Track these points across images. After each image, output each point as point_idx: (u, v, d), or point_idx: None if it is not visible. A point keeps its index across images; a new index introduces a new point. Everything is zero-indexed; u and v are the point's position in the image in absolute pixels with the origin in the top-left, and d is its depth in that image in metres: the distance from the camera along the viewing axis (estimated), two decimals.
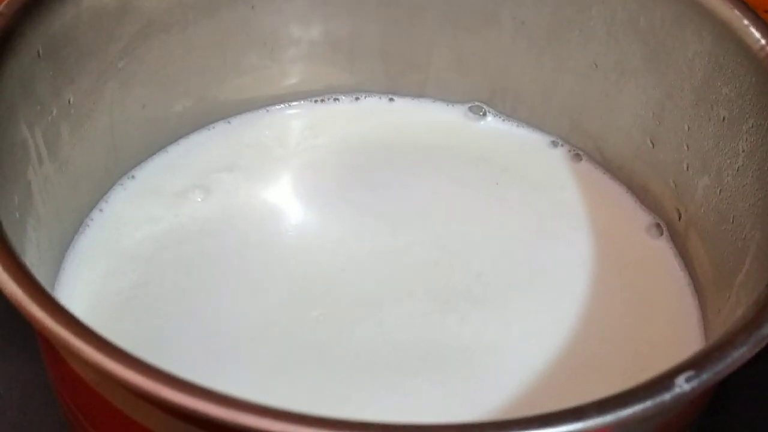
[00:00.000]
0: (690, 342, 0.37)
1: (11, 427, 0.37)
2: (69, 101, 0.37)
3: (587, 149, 0.44)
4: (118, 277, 0.38)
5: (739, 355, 0.26)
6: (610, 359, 0.37)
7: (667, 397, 0.25)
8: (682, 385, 0.25)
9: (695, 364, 0.26)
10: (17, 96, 0.34)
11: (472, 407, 0.35)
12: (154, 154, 0.43)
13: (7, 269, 0.26)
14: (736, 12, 0.35)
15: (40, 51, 0.35)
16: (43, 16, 0.35)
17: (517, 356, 0.36)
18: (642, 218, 0.42)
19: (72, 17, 0.36)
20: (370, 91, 0.46)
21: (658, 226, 0.41)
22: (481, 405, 0.35)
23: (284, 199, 0.42)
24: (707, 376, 0.25)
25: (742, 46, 0.35)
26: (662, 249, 0.41)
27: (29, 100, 0.35)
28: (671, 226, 0.41)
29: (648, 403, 0.25)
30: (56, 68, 0.36)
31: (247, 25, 0.42)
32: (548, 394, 0.35)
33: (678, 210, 0.40)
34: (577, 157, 0.44)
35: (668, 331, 0.38)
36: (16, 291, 0.26)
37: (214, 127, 0.44)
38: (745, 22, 0.35)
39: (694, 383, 0.25)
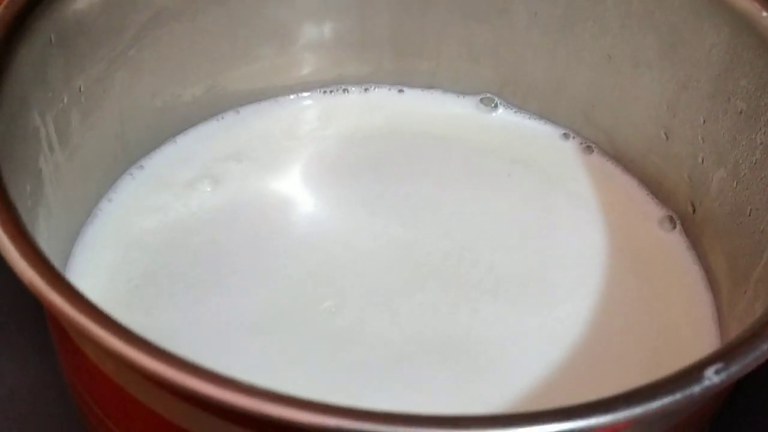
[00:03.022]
0: (704, 336, 0.37)
1: (21, 420, 0.37)
2: (80, 89, 0.37)
3: (599, 142, 0.44)
4: (127, 266, 0.38)
5: None
6: (625, 352, 0.36)
7: (696, 389, 0.24)
8: (711, 377, 0.25)
9: (724, 356, 0.25)
10: (30, 83, 0.33)
11: (486, 399, 0.34)
12: (162, 143, 0.42)
13: (27, 257, 0.26)
14: (756, 4, 0.35)
15: (53, 38, 0.34)
16: (55, 2, 0.34)
17: (531, 349, 0.36)
18: (655, 211, 0.42)
19: (84, 4, 0.36)
20: (379, 82, 0.46)
21: (671, 219, 0.41)
22: (494, 397, 0.35)
23: (294, 190, 0.42)
24: (736, 368, 0.25)
25: (761, 38, 0.35)
26: (675, 242, 0.40)
27: (41, 87, 0.34)
28: (685, 219, 0.41)
29: (677, 395, 0.24)
30: (68, 55, 0.36)
31: (258, 14, 0.42)
32: (563, 386, 0.35)
33: (692, 203, 0.40)
34: (588, 149, 0.44)
35: (682, 325, 0.38)
36: (36, 279, 0.25)
37: (222, 117, 0.44)
38: (765, 14, 0.35)
39: (723, 375, 0.25)
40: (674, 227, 0.41)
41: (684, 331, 0.37)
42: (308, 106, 0.45)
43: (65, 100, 0.36)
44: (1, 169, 0.29)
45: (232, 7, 0.41)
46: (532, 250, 0.40)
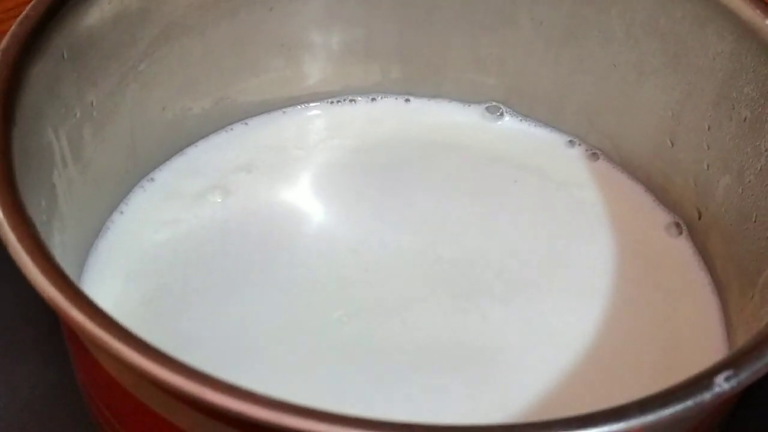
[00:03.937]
0: (712, 341, 0.38)
1: (36, 428, 0.37)
2: (92, 103, 0.37)
3: (605, 149, 0.44)
4: (140, 279, 0.38)
5: None
6: (634, 357, 0.37)
7: (707, 396, 0.25)
8: (722, 384, 0.25)
9: (734, 363, 0.26)
10: (44, 98, 0.34)
11: (498, 406, 0.35)
12: (173, 156, 0.43)
13: (46, 273, 0.26)
14: (758, 11, 0.35)
15: (65, 53, 0.35)
16: (67, 18, 0.34)
17: (541, 355, 0.37)
18: (661, 217, 0.42)
19: (96, 19, 0.36)
20: (386, 92, 0.46)
21: (677, 225, 0.41)
22: (506, 404, 0.35)
23: (304, 200, 0.42)
24: (746, 375, 0.25)
25: (764, 45, 0.35)
26: (682, 248, 0.41)
27: (55, 103, 0.35)
28: (691, 225, 0.41)
29: (689, 403, 0.25)
30: (80, 70, 0.36)
31: (266, 26, 0.42)
32: (574, 391, 0.35)
33: (698, 209, 0.40)
34: (594, 156, 0.44)
35: (690, 330, 0.38)
36: (56, 295, 0.26)
37: (232, 129, 0.44)
38: (767, 21, 0.35)
39: (734, 382, 0.25)
40: (681, 233, 0.41)
41: (692, 335, 0.38)
42: (316, 117, 0.46)
43: (78, 115, 0.36)
44: (18, 186, 0.29)
45: (240, 20, 0.42)
46: (539, 256, 0.40)
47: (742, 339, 0.32)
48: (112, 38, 0.37)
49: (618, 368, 0.37)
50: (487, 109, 0.46)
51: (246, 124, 0.45)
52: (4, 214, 0.28)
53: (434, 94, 0.46)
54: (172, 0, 0.39)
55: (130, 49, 0.38)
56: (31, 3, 0.34)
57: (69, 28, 0.35)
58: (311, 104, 0.46)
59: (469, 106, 0.46)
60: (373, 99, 0.46)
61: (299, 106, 0.46)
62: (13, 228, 0.27)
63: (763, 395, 0.37)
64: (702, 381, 0.25)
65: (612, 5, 0.40)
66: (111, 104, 0.38)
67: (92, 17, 0.36)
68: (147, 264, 0.39)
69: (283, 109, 0.45)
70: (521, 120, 0.46)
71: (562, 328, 0.38)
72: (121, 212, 0.40)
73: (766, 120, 0.36)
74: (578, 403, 0.35)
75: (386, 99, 0.46)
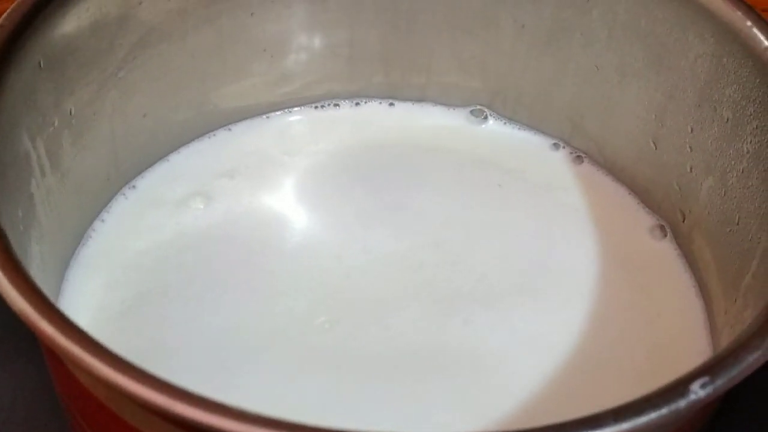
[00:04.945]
0: (697, 343, 0.37)
1: None
2: (70, 112, 0.37)
3: (589, 151, 0.44)
4: (122, 287, 0.38)
5: (754, 359, 0.26)
6: (618, 361, 0.37)
7: (682, 403, 0.25)
8: (697, 391, 0.25)
9: (709, 370, 0.26)
10: (19, 108, 0.33)
11: (481, 413, 0.35)
12: (155, 163, 0.43)
13: (16, 285, 0.26)
14: (739, 13, 0.35)
15: (42, 62, 0.35)
16: (43, 26, 0.34)
17: (524, 360, 0.36)
18: (645, 220, 0.42)
19: (73, 27, 0.36)
20: (370, 97, 0.46)
21: (661, 227, 0.41)
22: (489, 411, 0.35)
23: (286, 205, 0.42)
24: (722, 381, 0.25)
25: (745, 47, 0.35)
26: (666, 251, 0.41)
27: (31, 112, 0.34)
28: (675, 228, 0.41)
29: (664, 410, 0.25)
30: (57, 79, 0.36)
31: (247, 32, 0.42)
32: (557, 396, 0.35)
33: (682, 212, 0.40)
34: (578, 159, 0.44)
35: (675, 333, 0.38)
36: (25, 308, 0.25)
37: (214, 135, 0.44)
38: (748, 23, 0.35)
39: (709, 389, 0.25)
40: (665, 236, 0.41)
41: (676, 338, 0.38)
42: (299, 122, 0.45)
43: (56, 124, 0.36)
44: None
45: (222, 25, 0.41)
46: (523, 260, 0.40)
47: (726, 342, 0.32)
48: (90, 46, 0.37)
49: (602, 373, 0.36)
50: (472, 112, 0.46)
51: (229, 129, 0.45)
52: None
53: (418, 98, 0.46)
54: (151, 6, 0.39)
55: (109, 56, 0.38)
56: (6, 12, 0.33)
57: (45, 37, 0.34)
58: (294, 109, 0.46)
59: (454, 109, 0.46)
60: (357, 103, 0.46)
61: (282, 112, 0.45)
62: None
63: (744, 402, 0.37)
64: (677, 388, 0.25)
65: (593, 7, 0.40)
66: (90, 112, 0.38)
67: (69, 25, 0.35)
68: (129, 272, 0.39)
69: (266, 115, 0.45)
70: (505, 123, 0.45)
71: (546, 332, 0.37)
72: (103, 220, 0.40)
73: (748, 121, 0.35)
74: (562, 408, 0.35)
75: (370, 103, 0.46)
